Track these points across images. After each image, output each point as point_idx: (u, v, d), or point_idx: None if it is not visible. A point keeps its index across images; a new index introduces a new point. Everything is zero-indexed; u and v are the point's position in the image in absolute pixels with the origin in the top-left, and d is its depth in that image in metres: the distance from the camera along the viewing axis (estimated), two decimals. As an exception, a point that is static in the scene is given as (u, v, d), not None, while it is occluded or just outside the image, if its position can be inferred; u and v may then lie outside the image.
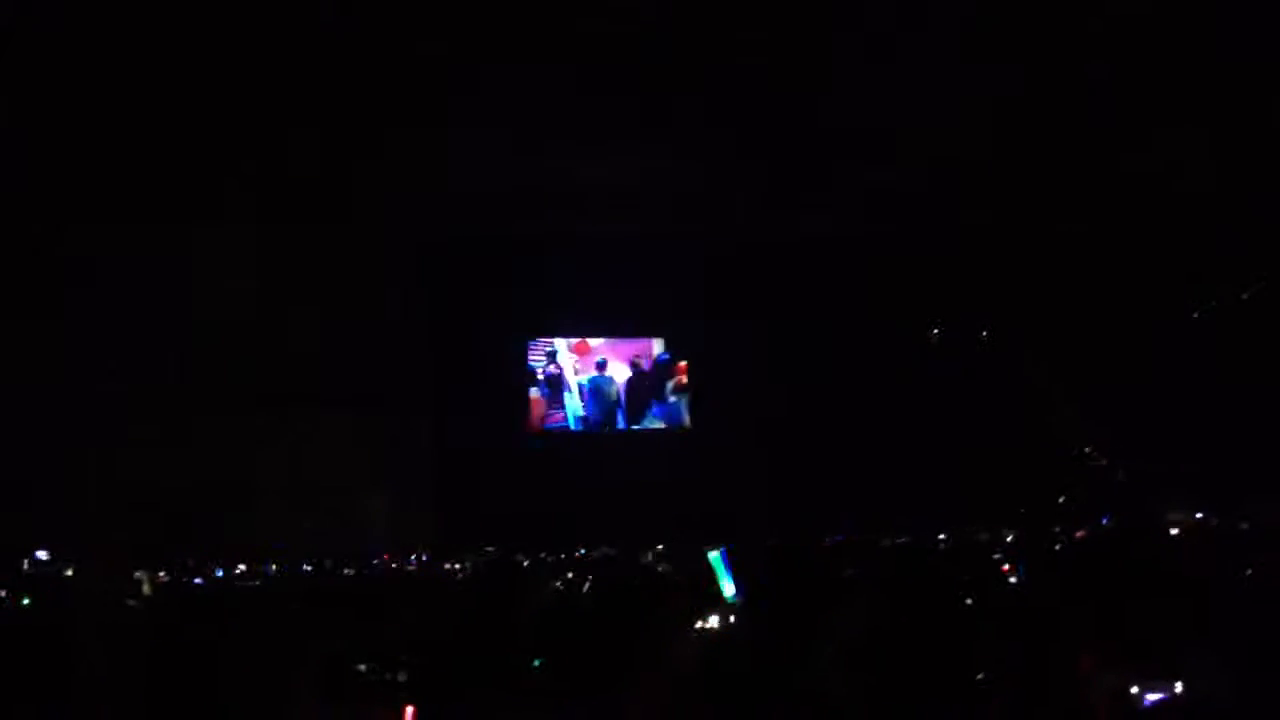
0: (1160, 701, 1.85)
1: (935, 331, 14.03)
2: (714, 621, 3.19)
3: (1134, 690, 1.83)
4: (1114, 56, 8.82)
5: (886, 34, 8.46)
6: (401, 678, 2.67)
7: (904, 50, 8.76)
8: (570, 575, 8.06)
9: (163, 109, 9.25)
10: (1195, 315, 12.69)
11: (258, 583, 8.55)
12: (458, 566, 9.61)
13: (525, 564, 8.34)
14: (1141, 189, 11.20)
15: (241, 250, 11.54)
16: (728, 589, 3.43)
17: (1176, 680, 1.85)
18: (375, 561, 9.94)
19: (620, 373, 13.77)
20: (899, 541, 8.90)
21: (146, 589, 7.39)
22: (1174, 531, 7.64)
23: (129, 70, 8.62)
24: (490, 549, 9.96)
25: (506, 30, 8.35)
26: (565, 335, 13.57)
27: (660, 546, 9.56)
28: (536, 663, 3.11)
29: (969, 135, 10.32)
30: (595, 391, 13.72)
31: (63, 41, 8.23)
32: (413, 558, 10.64)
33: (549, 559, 9.34)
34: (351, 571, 8.71)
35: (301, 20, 8.22)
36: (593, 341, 13.72)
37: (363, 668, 2.66)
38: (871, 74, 9.02)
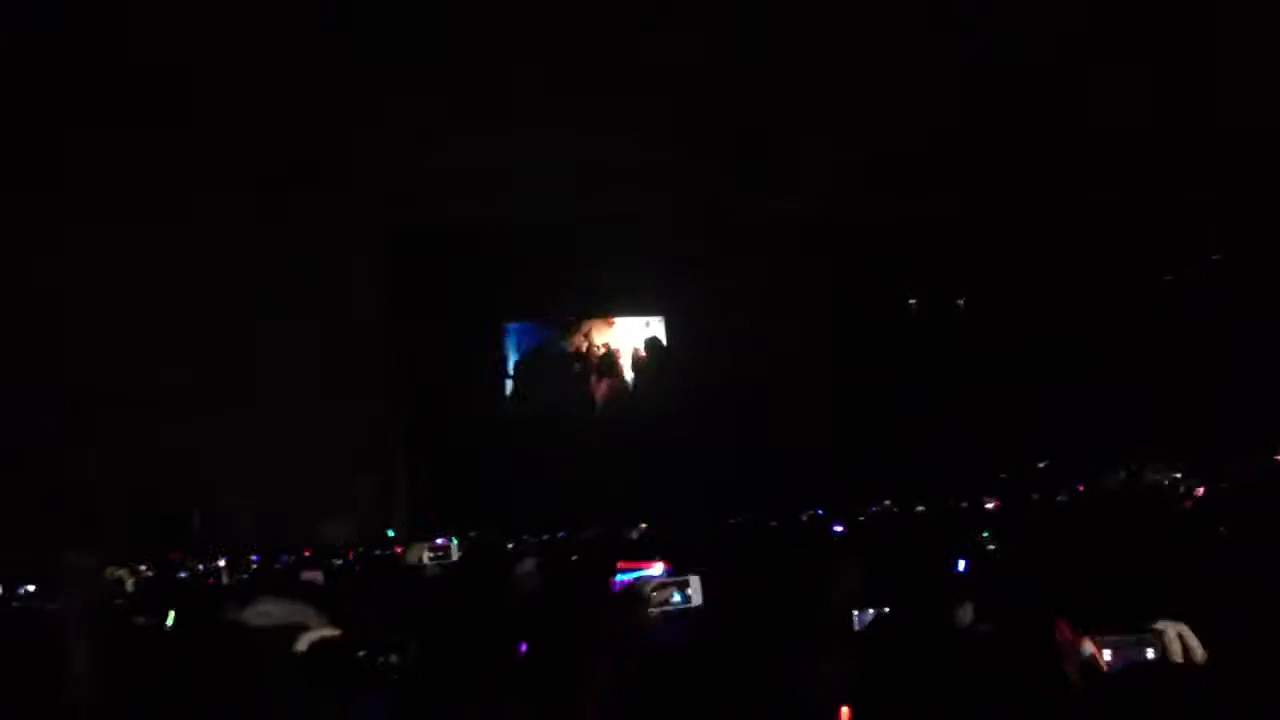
0: (1130, 665, 1.87)
1: (912, 302, 14.07)
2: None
3: (1106, 656, 1.86)
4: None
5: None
6: (394, 659, 2.65)
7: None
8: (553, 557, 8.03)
9: (124, 89, 9.06)
10: (1167, 279, 12.81)
11: (245, 576, 8.50)
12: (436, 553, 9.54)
13: (509, 547, 8.31)
14: (1112, 156, 11.25)
15: (209, 243, 11.42)
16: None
17: (1148, 646, 1.87)
18: (359, 549, 9.90)
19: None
20: (876, 511, 8.96)
21: (129, 586, 7.31)
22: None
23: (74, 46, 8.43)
24: (472, 533, 9.92)
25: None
26: (535, 319, 13.54)
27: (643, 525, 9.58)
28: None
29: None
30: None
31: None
32: (390, 547, 10.60)
33: (531, 540, 9.32)
34: (340, 562, 8.67)
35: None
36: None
37: (361, 653, 2.62)
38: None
